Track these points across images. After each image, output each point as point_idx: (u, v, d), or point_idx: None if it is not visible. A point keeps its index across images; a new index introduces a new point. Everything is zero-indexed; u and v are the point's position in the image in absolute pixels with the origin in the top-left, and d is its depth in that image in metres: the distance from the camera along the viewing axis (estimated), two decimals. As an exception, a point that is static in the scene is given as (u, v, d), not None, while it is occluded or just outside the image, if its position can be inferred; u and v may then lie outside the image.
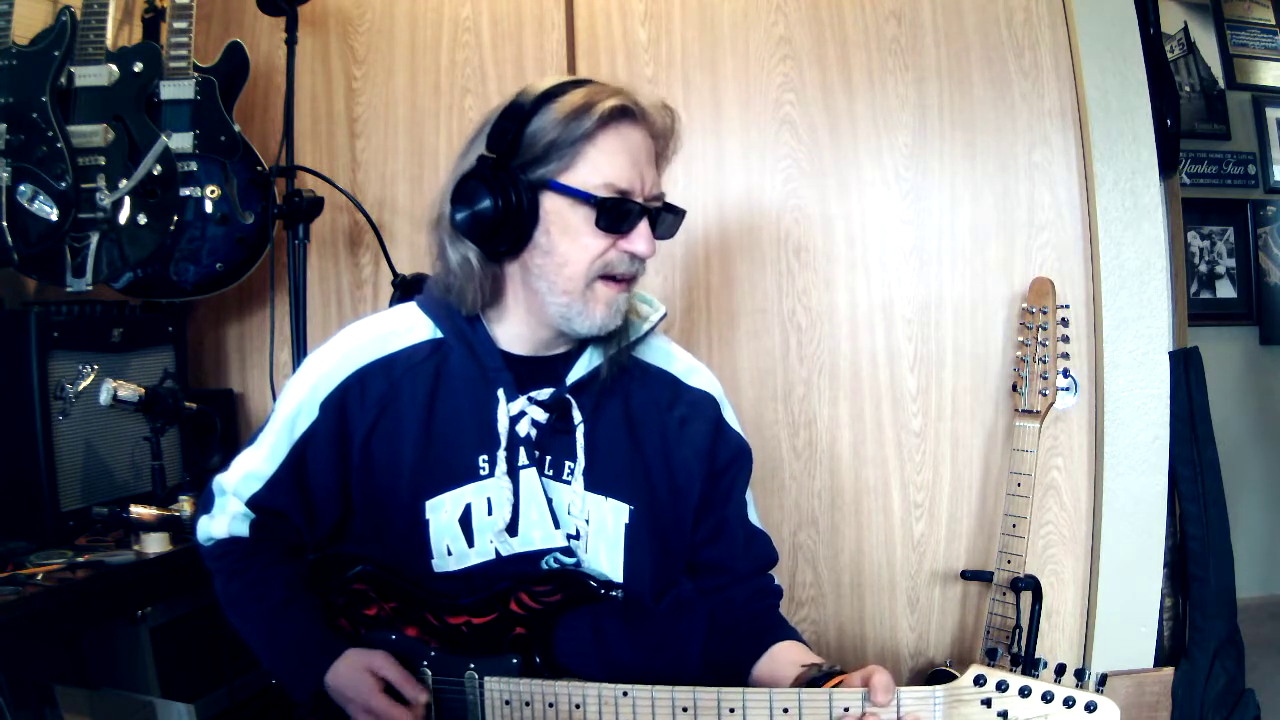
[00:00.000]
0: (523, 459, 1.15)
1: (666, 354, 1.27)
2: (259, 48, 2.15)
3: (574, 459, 1.16)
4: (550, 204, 1.09)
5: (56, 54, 1.80)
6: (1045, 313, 1.94)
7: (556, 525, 1.15)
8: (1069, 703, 0.95)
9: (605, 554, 1.17)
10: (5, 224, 1.72)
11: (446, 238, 1.14)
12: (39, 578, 1.44)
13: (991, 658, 1.00)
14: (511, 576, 1.15)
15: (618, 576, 1.17)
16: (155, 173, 1.83)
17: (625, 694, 1.05)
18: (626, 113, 1.09)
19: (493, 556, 1.15)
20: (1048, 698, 0.95)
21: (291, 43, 1.95)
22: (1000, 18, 2.07)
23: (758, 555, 1.29)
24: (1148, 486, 2.03)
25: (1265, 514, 3.41)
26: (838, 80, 2.11)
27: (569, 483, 1.16)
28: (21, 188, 1.75)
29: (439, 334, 1.18)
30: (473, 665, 1.12)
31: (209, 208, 1.91)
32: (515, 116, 1.09)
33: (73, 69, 1.82)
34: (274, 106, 2.19)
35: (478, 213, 1.08)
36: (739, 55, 2.13)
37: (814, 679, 1.07)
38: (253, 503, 1.20)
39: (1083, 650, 2.06)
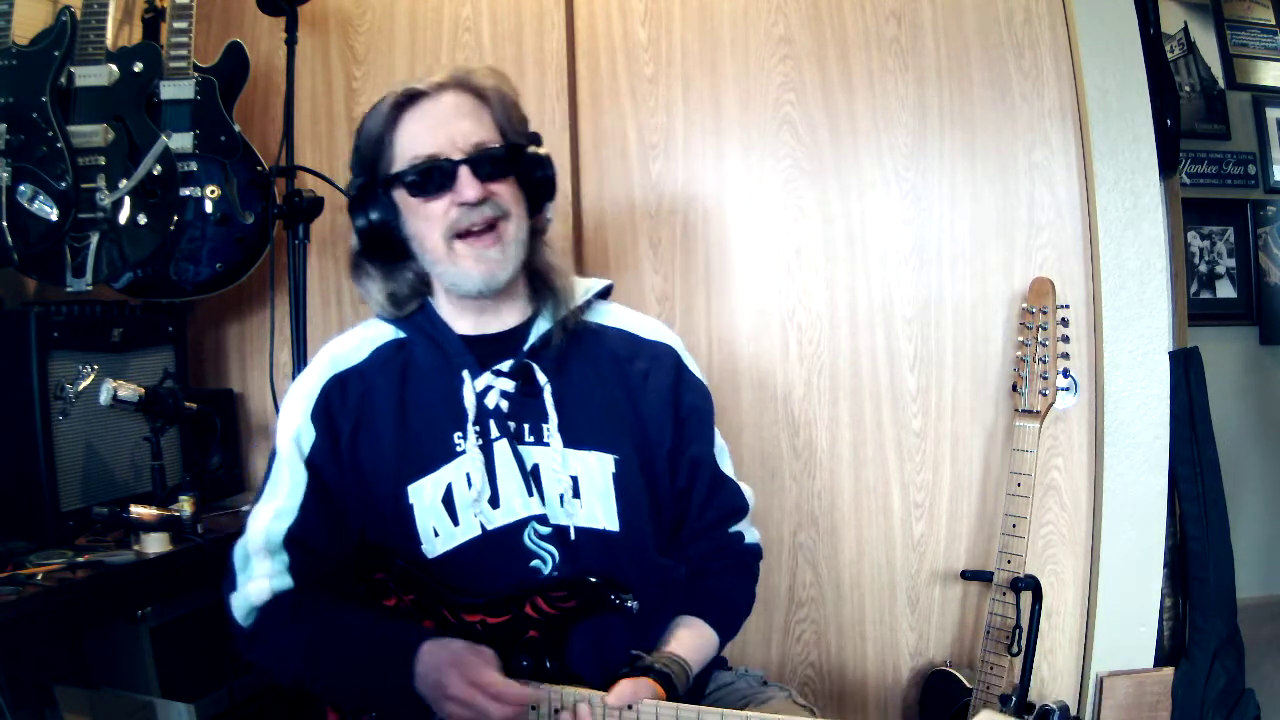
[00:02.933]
0: (495, 431, 1.20)
1: (623, 316, 1.35)
2: (259, 48, 2.15)
3: (546, 420, 1.21)
4: (396, 196, 1.22)
5: (56, 54, 1.80)
6: (1045, 313, 1.94)
7: (530, 493, 1.18)
8: None
9: (600, 505, 1.20)
10: (5, 224, 1.72)
11: (355, 272, 1.30)
12: (39, 578, 1.44)
13: (1004, 704, 0.98)
14: (497, 555, 1.17)
15: (614, 526, 1.20)
16: (155, 173, 1.83)
17: (630, 707, 1.05)
18: (415, 95, 1.20)
19: (479, 532, 1.19)
20: None
21: (291, 43, 1.95)
22: (1000, 18, 2.07)
23: (720, 505, 1.32)
24: (1148, 486, 2.03)
25: (1265, 514, 3.40)
26: (838, 80, 2.11)
27: (548, 444, 1.20)
28: (21, 188, 1.75)
29: (401, 334, 1.28)
30: None
31: (209, 208, 1.91)
32: (354, 141, 1.26)
33: (73, 69, 1.82)
34: (274, 106, 2.19)
35: (360, 233, 1.24)
36: (739, 55, 2.13)
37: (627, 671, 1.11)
38: (289, 539, 1.18)
39: (1083, 650, 2.06)
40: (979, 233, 2.08)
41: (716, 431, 1.35)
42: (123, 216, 1.81)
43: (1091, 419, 2.05)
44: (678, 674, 1.13)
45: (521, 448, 1.20)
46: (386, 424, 1.21)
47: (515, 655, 1.13)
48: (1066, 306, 1.95)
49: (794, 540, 2.12)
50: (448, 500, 1.19)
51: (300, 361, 1.88)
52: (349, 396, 1.22)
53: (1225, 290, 3.49)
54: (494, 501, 1.18)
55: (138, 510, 1.62)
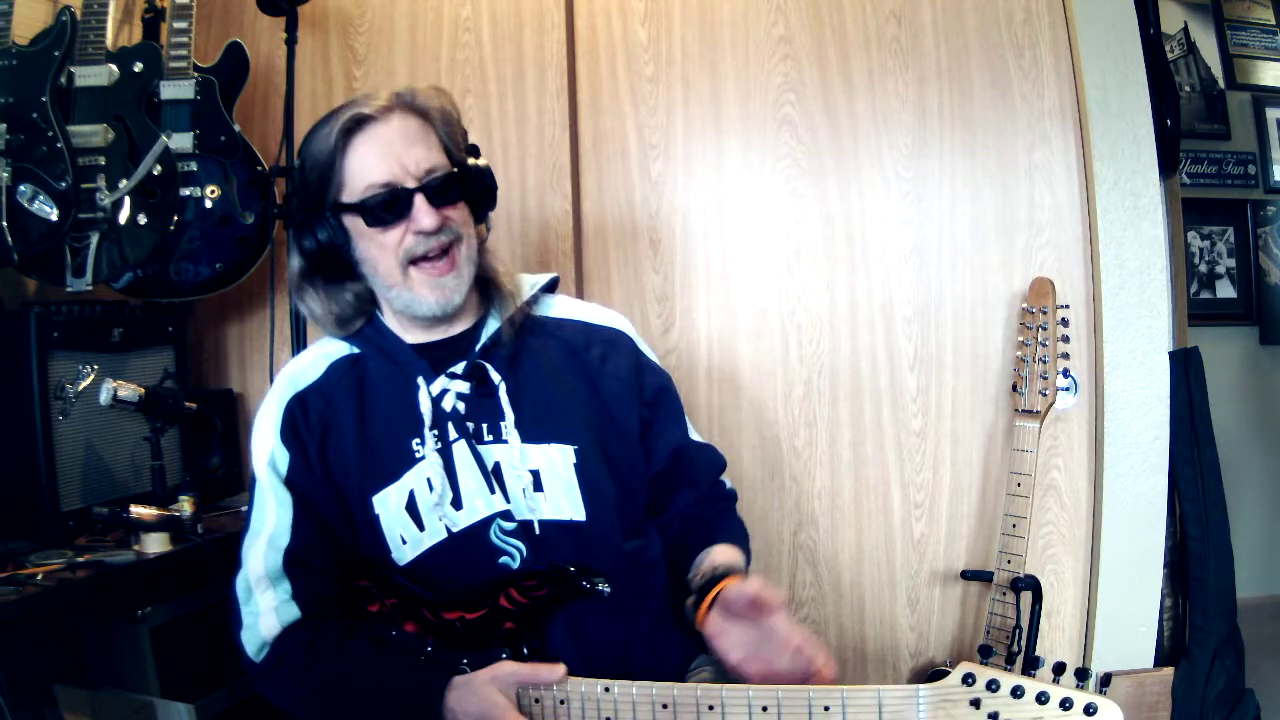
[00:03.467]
0: (453, 433, 1.21)
1: (569, 306, 1.37)
2: (259, 48, 2.15)
3: (503, 417, 1.22)
4: (346, 221, 1.21)
5: (56, 54, 1.80)
6: (1045, 313, 1.94)
7: (491, 490, 1.19)
8: (1066, 704, 0.91)
9: (565, 496, 1.21)
10: (5, 224, 1.72)
11: (298, 292, 1.28)
12: (39, 578, 1.44)
13: (985, 655, 0.98)
14: (468, 555, 1.18)
15: (580, 516, 1.21)
16: (155, 173, 1.83)
17: (607, 690, 1.06)
18: (363, 119, 1.19)
19: (444, 535, 1.19)
20: (1043, 698, 0.91)
21: (291, 43, 1.94)
22: (1000, 18, 2.07)
23: (708, 466, 1.37)
24: (1148, 486, 2.03)
25: (1265, 514, 3.40)
26: (838, 80, 2.11)
27: (506, 441, 1.21)
28: (21, 188, 1.75)
29: (355, 349, 1.29)
30: (465, 661, 1.13)
31: (209, 207, 1.91)
32: (299, 165, 1.23)
33: (73, 69, 1.82)
34: (274, 106, 2.19)
35: (307, 255, 1.23)
36: (739, 55, 2.13)
37: (700, 586, 1.15)
38: (288, 562, 1.18)
39: (1083, 650, 2.06)
40: (979, 233, 2.08)
41: (680, 405, 1.38)
42: (123, 216, 1.81)
43: (1091, 419, 2.05)
44: (741, 568, 1.18)
45: (480, 447, 1.21)
46: (348, 438, 1.22)
47: (494, 648, 1.13)
48: (1066, 306, 1.95)
49: (794, 540, 2.12)
50: (411, 507, 1.19)
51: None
52: (310, 414, 1.23)
53: (1225, 290, 3.49)
54: (456, 503, 1.19)
55: (138, 510, 1.62)
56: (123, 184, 1.80)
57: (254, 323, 2.25)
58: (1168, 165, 2.13)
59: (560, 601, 1.14)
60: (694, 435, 1.38)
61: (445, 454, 1.20)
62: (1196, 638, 2.10)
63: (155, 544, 1.62)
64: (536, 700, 1.08)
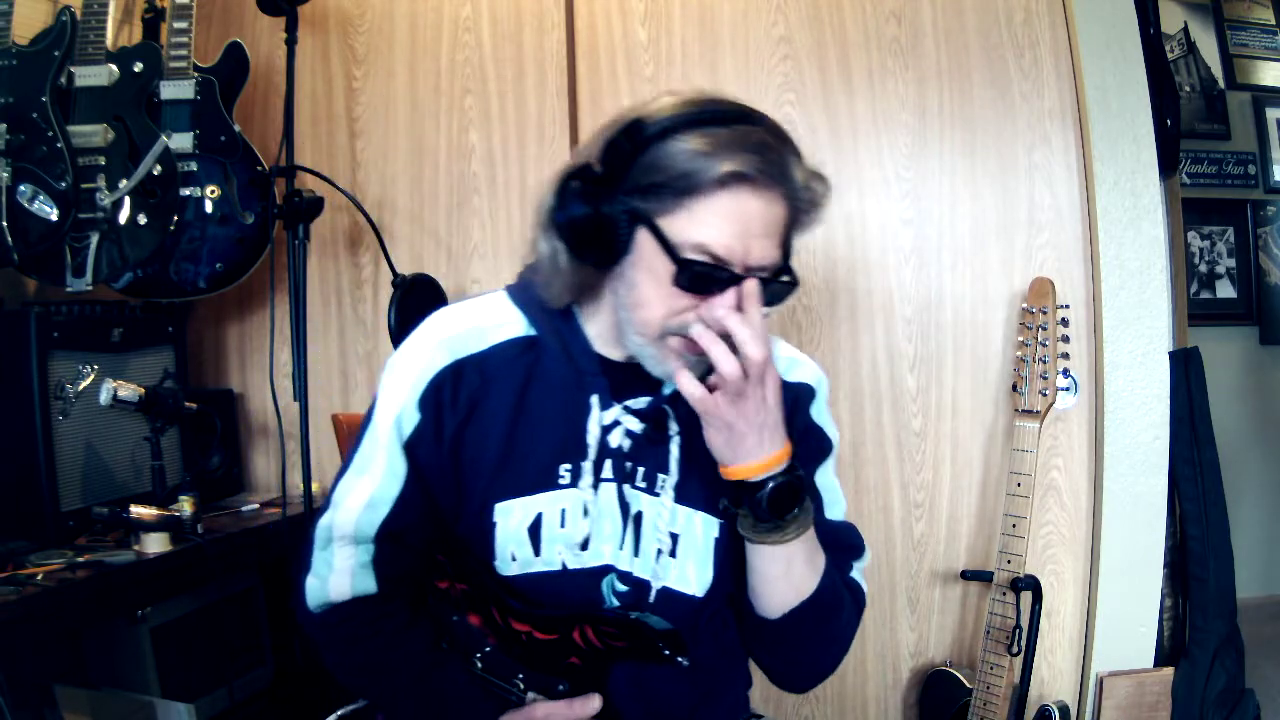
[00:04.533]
0: (608, 472, 1.10)
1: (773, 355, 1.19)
2: (259, 48, 2.15)
3: (667, 472, 1.11)
4: (643, 240, 1.01)
5: (56, 54, 1.80)
6: (1045, 313, 1.94)
7: (621, 545, 1.10)
8: None
9: (695, 568, 1.12)
10: (5, 224, 1.72)
11: (541, 227, 1.06)
12: (39, 578, 1.44)
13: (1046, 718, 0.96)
14: (573, 591, 1.10)
15: (704, 590, 1.12)
16: (155, 173, 1.83)
17: None
18: (749, 179, 0.98)
19: (559, 568, 1.10)
20: None
21: (291, 43, 1.94)
22: (1000, 18, 2.07)
23: (841, 550, 1.19)
24: (1148, 486, 2.03)
25: (1265, 514, 3.41)
26: (838, 80, 2.11)
27: (658, 495, 1.11)
28: (21, 188, 1.75)
29: (532, 330, 1.12)
30: (521, 676, 1.09)
31: (209, 208, 1.91)
32: (634, 138, 1.00)
33: (73, 69, 1.82)
34: (274, 106, 2.19)
35: (572, 219, 1.01)
36: (739, 55, 2.13)
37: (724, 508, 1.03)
38: (383, 533, 1.11)
39: (1083, 650, 2.06)
40: (979, 233, 2.08)
41: (835, 481, 1.22)
42: (123, 216, 1.82)
43: (1091, 419, 2.05)
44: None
45: (629, 490, 1.11)
46: (496, 428, 1.10)
47: (554, 675, 1.08)
48: (1066, 306, 1.95)
49: (794, 540, 2.11)
50: (534, 529, 1.09)
51: (300, 361, 1.88)
52: (462, 390, 1.10)
53: (1225, 290, 3.49)
54: (584, 544, 1.10)
55: (138, 510, 1.62)
56: (123, 184, 1.80)
57: (254, 323, 2.25)
58: (1168, 165, 2.13)
59: (632, 657, 1.07)
60: (834, 514, 1.21)
61: (593, 491, 1.10)
62: (1196, 638, 2.10)
63: (155, 544, 1.62)
64: None
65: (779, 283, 1.05)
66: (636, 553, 1.11)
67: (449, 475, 1.11)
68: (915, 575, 2.10)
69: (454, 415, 1.10)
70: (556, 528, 1.09)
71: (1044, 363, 1.92)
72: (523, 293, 1.14)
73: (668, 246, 0.99)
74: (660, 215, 0.99)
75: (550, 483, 1.09)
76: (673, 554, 1.11)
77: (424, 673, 1.09)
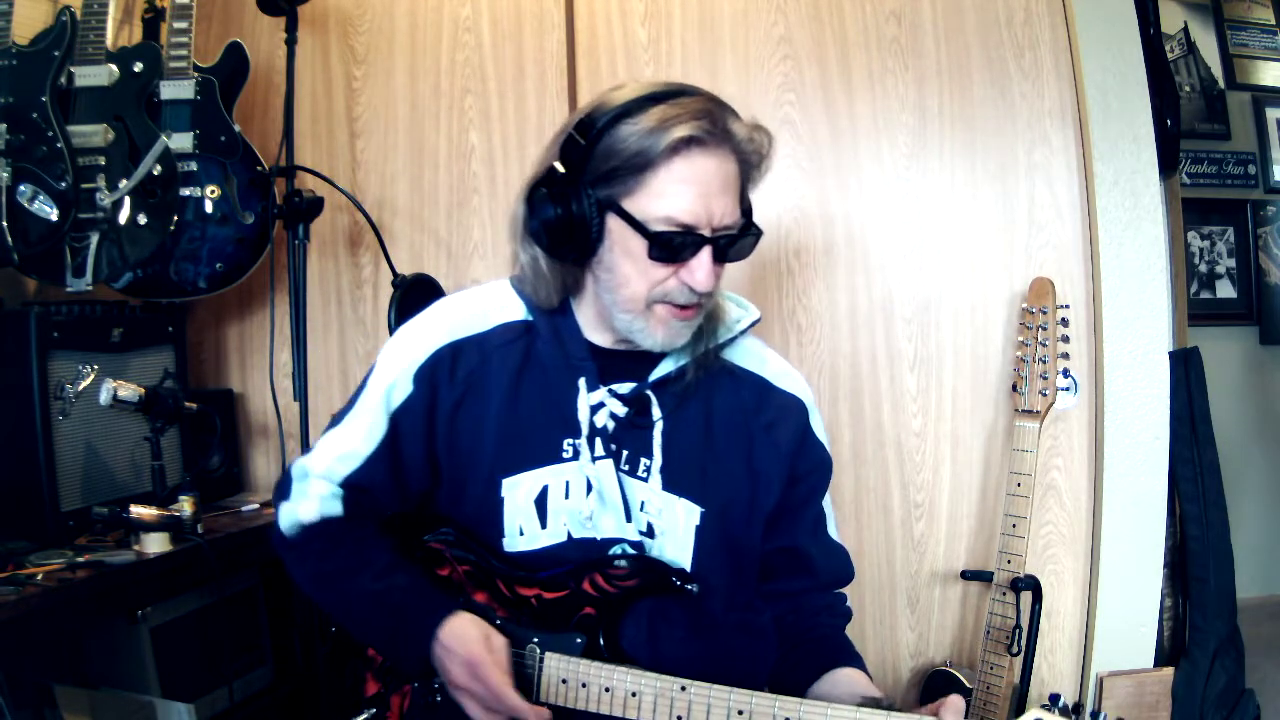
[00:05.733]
0: (599, 449, 1.16)
1: (759, 357, 1.26)
2: (259, 48, 2.15)
3: (650, 456, 1.16)
4: (613, 224, 1.08)
5: (56, 54, 1.80)
6: (1045, 313, 1.94)
7: (628, 519, 1.15)
8: None
9: (674, 554, 1.16)
10: (5, 224, 1.72)
11: (517, 239, 1.15)
12: (39, 578, 1.44)
13: (1054, 701, 0.98)
14: (581, 560, 1.14)
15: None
16: (155, 173, 1.83)
17: (683, 689, 1.04)
18: (697, 141, 1.04)
19: (565, 539, 1.16)
20: None
21: (291, 43, 1.95)
22: (1000, 18, 2.07)
23: (836, 567, 1.26)
24: (1148, 486, 2.03)
25: (1265, 514, 3.41)
26: (838, 80, 2.11)
27: (645, 479, 1.16)
28: (21, 188, 1.75)
29: (529, 316, 1.19)
30: (536, 639, 1.12)
31: (209, 208, 1.91)
32: (586, 131, 1.07)
33: (73, 69, 1.82)
34: (274, 106, 2.19)
35: (544, 222, 1.08)
36: (739, 55, 2.13)
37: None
38: (347, 482, 1.18)
39: (1083, 650, 2.06)
40: (979, 233, 2.08)
41: (828, 497, 1.29)
42: (123, 216, 1.81)
43: (1091, 419, 2.05)
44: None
45: (622, 475, 1.16)
46: (494, 407, 1.16)
47: (569, 631, 1.11)
48: (1066, 306, 1.95)
49: (794, 540, 2.12)
50: (540, 501, 1.16)
51: (300, 361, 1.88)
52: (459, 369, 1.16)
53: (1225, 290, 3.49)
54: (590, 517, 1.16)
55: (138, 510, 1.62)
56: (123, 184, 1.80)
57: (254, 323, 2.25)
58: (1168, 165, 2.13)
59: (646, 593, 1.12)
60: (833, 533, 1.28)
61: (593, 466, 1.15)
62: (1196, 638, 2.10)
63: (155, 544, 1.62)
64: (607, 689, 1.06)
65: (747, 236, 1.12)
66: (639, 532, 1.16)
67: (431, 450, 1.18)
68: (915, 575, 2.10)
69: (451, 392, 1.16)
70: (562, 499, 1.15)
71: (1044, 363, 1.92)
72: (524, 282, 1.20)
73: (637, 225, 1.05)
74: (624, 197, 1.06)
75: (555, 456, 1.15)
76: (649, 534, 1.16)
77: (383, 573, 1.15)
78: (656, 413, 1.16)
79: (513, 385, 1.16)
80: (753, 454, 1.20)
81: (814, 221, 2.11)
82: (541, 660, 1.11)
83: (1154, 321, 2.03)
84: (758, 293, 2.11)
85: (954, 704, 0.97)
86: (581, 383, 1.15)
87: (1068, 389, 2.00)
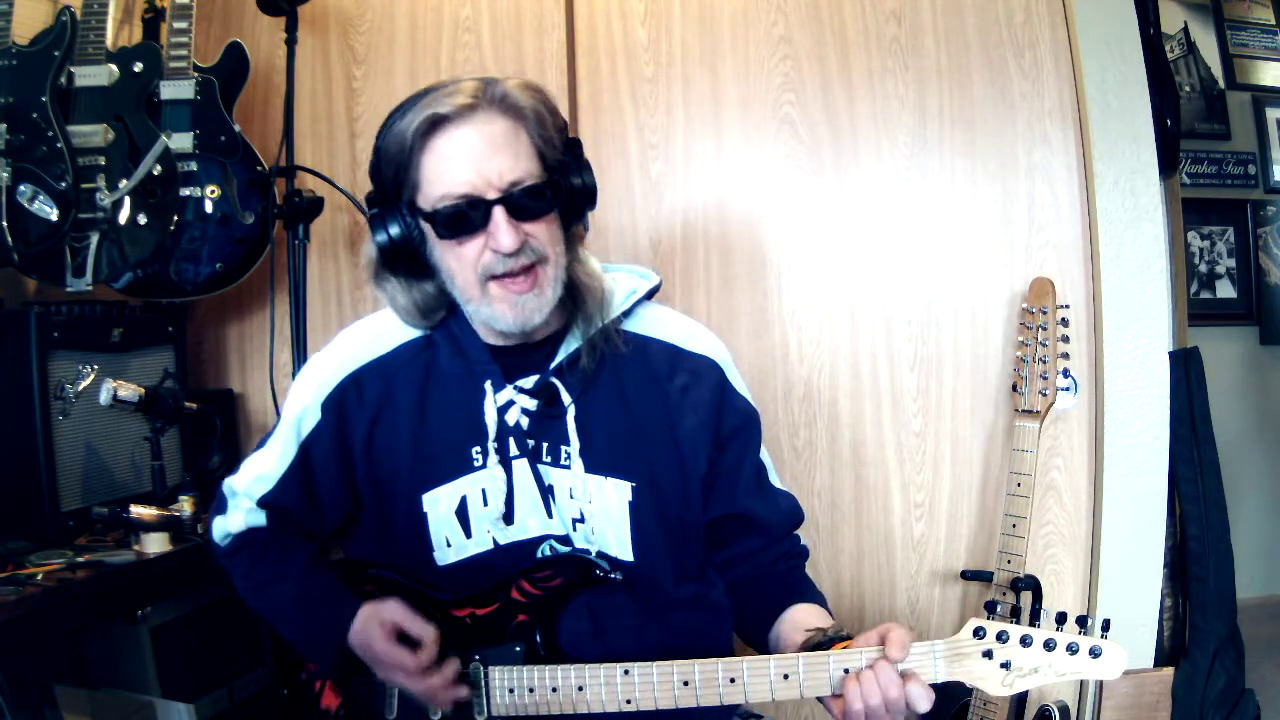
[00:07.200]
0: (513, 449, 1.17)
1: (664, 324, 1.26)
2: (259, 48, 2.15)
3: (568, 442, 1.17)
4: (423, 226, 1.11)
5: (56, 54, 1.80)
6: (1045, 313, 1.94)
7: (550, 515, 1.17)
8: (1072, 649, 1.00)
9: (612, 535, 1.18)
10: (5, 224, 1.72)
11: (374, 281, 1.19)
12: (39, 578, 1.44)
13: (990, 611, 1.02)
14: (510, 566, 1.17)
15: (627, 556, 1.18)
16: (155, 173, 1.83)
17: (626, 672, 1.06)
18: (443, 118, 1.07)
19: (491, 546, 1.18)
20: (1050, 645, 0.99)
21: (291, 43, 1.95)
22: (1000, 18, 2.07)
23: (786, 516, 1.28)
24: (1148, 486, 2.03)
25: (1265, 514, 3.41)
26: (838, 80, 2.11)
27: (568, 467, 1.17)
28: (21, 188, 1.75)
29: (429, 331, 1.21)
30: (477, 656, 1.13)
31: (209, 208, 1.91)
32: (375, 154, 1.13)
33: (73, 69, 1.82)
34: (274, 106, 2.19)
35: (383, 253, 1.13)
36: (739, 55, 2.13)
37: (817, 644, 1.09)
38: (263, 503, 1.24)
39: (1083, 650, 2.05)
40: (979, 232, 2.08)
41: (763, 449, 1.28)
42: (123, 216, 1.81)
43: (1091, 419, 2.05)
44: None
45: (540, 467, 1.17)
46: (404, 426, 1.18)
47: (507, 643, 1.13)
48: (1066, 306, 1.95)
49: (794, 540, 2.12)
50: (461, 512, 1.17)
51: (300, 361, 1.88)
52: (366, 393, 1.19)
53: (1225, 290, 3.49)
54: (508, 518, 1.17)
55: (138, 510, 1.62)
56: (123, 184, 1.80)
57: (254, 323, 2.25)
58: (1168, 165, 2.13)
59: (574, 591, 1.14)
60: (775, 481, 1.29)
61: (506, 468, 1.16)
62: (1196, 638, 2.10)
63: (155, 544, 1.62)
64: (554, 689, 1.08)
65: (547, 184, 1.11)
66: (562, 524, 1.18)
67: (349, 479, 1.21)
68: (915, 575, 2.10)
69: (362, 416, 1.19)
70: (480, 506, 1.17)
71: (1044, 363, 1.92)
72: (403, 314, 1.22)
73: (428, 215, 1.09)
74: (415, 196, 1.10)
75: (467, 467, 1.17)
76: (582, 520, 1.17)
77: (304, 577, 1.23)
78: (566, 398, 1.17)
79: (419, 402, 1.19)
80: (672, 420, 1.20)
81: (813, 221, 2.11)
82: (486, 676, 1.12)
83: (1154, 321, 2.03)
84: (759, 293, 2.11)
85: (898, 638, 1.00)
86: (488, 385, 1.17)
87: (1068, 389, 2.00)
